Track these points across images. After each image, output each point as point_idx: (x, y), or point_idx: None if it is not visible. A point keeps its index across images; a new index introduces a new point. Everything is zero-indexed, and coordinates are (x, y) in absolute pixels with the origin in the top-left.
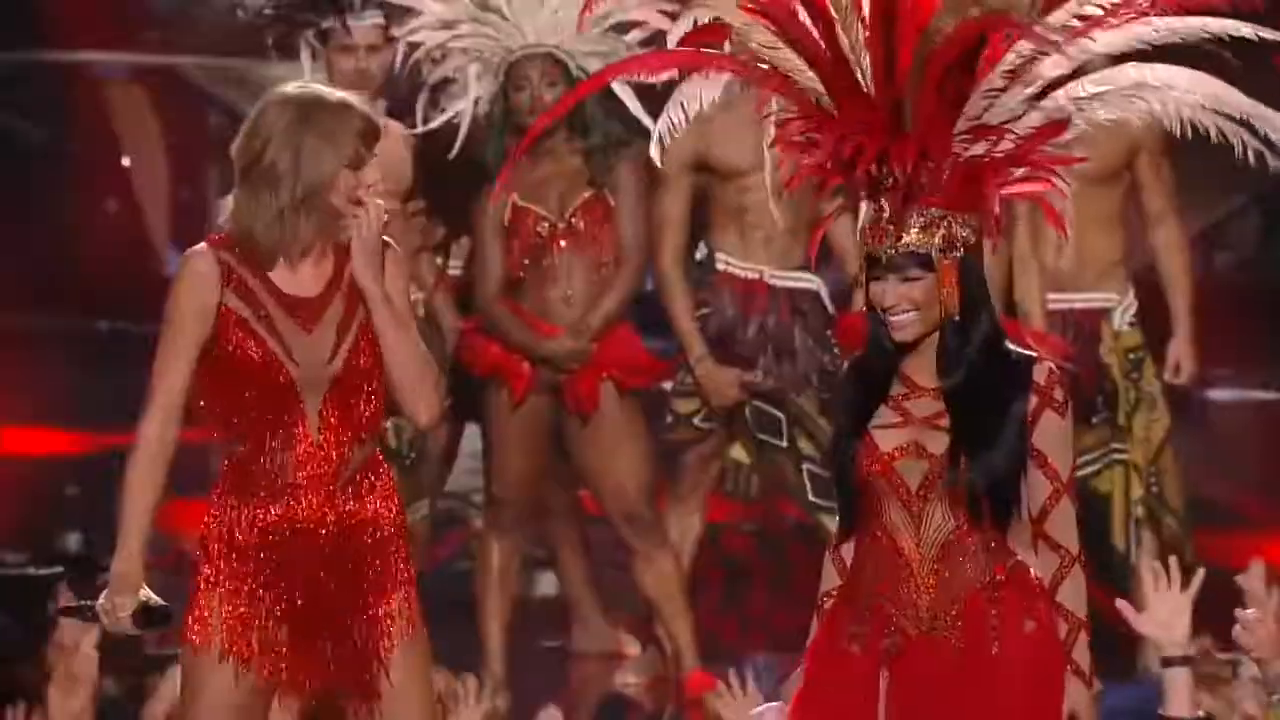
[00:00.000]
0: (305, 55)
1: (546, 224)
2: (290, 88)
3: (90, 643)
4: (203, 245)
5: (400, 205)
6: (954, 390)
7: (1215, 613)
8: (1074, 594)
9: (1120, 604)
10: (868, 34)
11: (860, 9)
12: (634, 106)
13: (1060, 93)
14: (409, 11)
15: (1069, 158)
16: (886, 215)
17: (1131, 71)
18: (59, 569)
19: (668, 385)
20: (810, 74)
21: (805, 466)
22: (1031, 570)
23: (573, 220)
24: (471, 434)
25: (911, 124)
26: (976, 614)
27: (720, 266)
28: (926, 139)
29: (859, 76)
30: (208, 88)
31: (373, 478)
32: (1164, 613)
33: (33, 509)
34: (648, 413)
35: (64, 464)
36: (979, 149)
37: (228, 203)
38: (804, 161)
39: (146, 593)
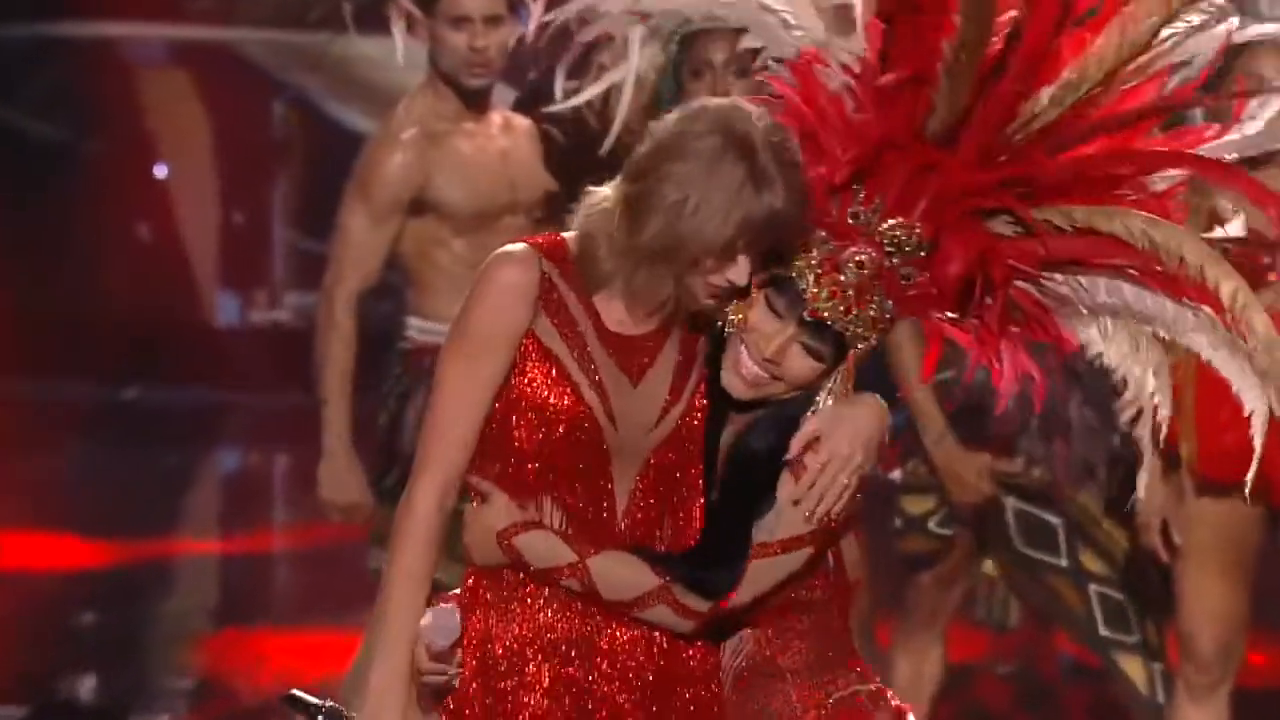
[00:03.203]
0: (398, 29)
1: None
2: (738, 114)
3: None
4: (522, 245)
5: (528, 221)
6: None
7: None
8: (614, 563)
9: None
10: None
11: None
12: None
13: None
14: None
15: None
16: (857, 272)
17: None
18: None
19: (894, 476)
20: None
21: (1093, 588)
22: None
23: None
24: None
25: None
26: None
27: None
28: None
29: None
30: (273, 71)
31: None
32: None
33: (34, 643)
34: (869, 514)
35: (76, 582)
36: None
37: (594, 194)
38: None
39: None
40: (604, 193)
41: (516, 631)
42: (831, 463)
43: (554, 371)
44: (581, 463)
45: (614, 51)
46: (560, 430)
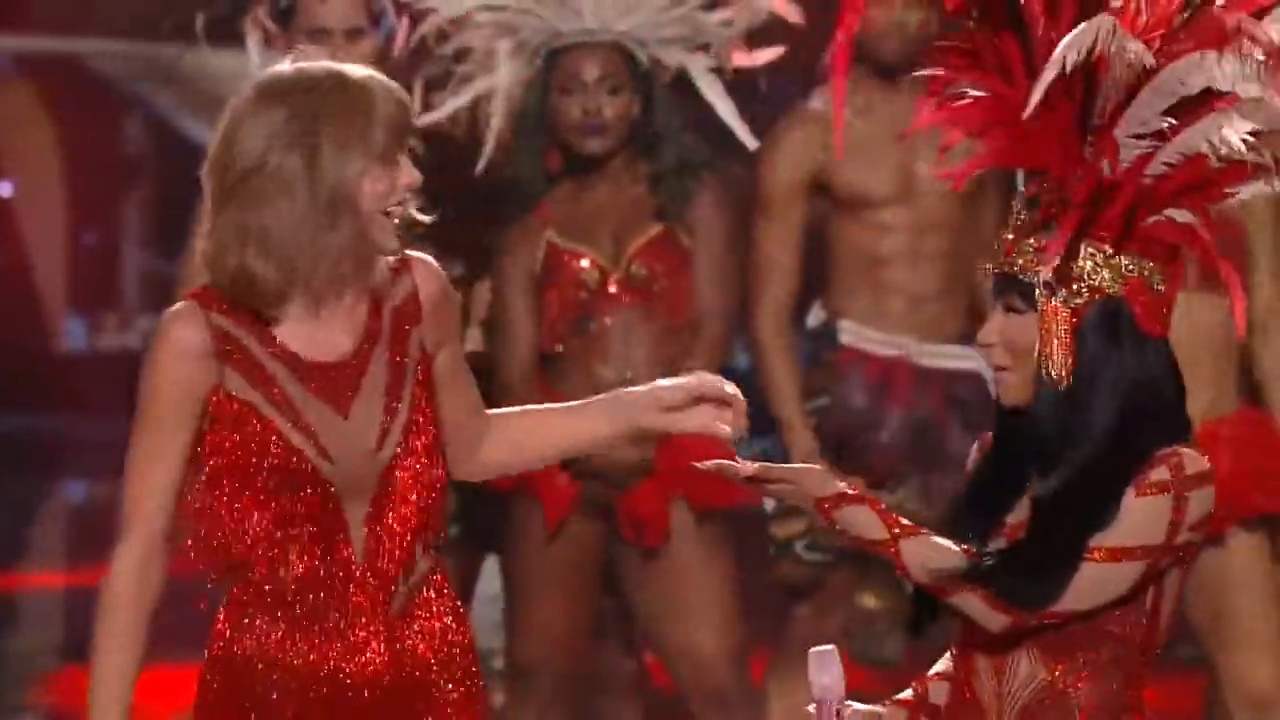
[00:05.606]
0: (253, 41)
1: (597, 273)
2: (272, 77)
3: None
4: (186, 303)
5: None
6: (1043, 503)
7: None
8: (926, 549)
9: None
10: None
11: None
12: (725, 111)
13: (1210, 118)
14: None
15: (1220, 189)
16: (1012, 220)
17: None
18: None
19: (768, 504)
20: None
21: None
22: None
23: (633, 268)
24: (490, 571)
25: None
26: None
27: (845, 339)
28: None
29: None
30: (124, 84)
31: (435, 598)
32: None
33: None
34: (738, 544)
35: None
36: (1127, 158)
37: (196, 245)
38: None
39: None
40: (201, 243)
41: (283, 674)
42: None
43: (254, 423)
44: (307, 512)
45: (476, 65)
46: (274, 485)
